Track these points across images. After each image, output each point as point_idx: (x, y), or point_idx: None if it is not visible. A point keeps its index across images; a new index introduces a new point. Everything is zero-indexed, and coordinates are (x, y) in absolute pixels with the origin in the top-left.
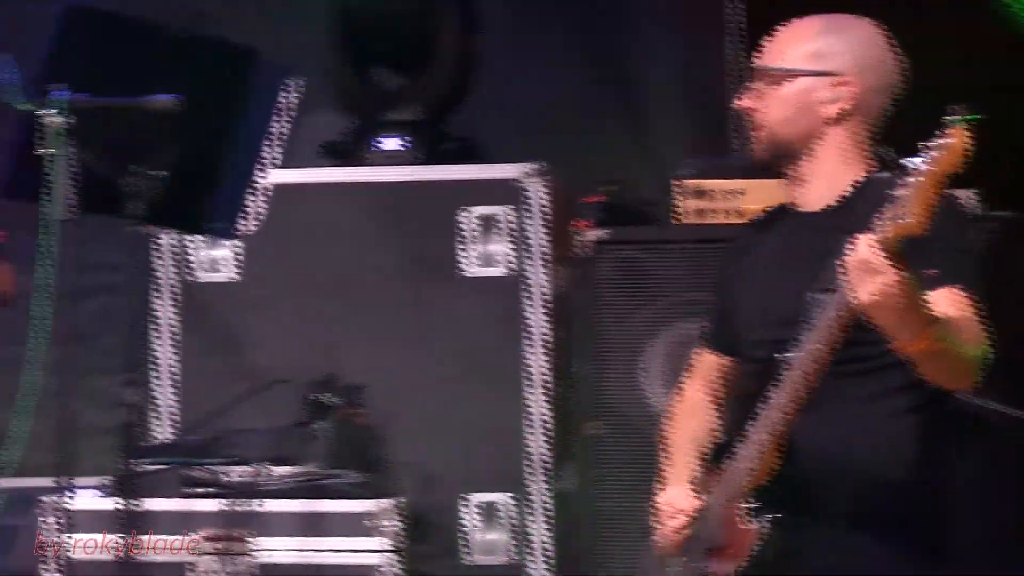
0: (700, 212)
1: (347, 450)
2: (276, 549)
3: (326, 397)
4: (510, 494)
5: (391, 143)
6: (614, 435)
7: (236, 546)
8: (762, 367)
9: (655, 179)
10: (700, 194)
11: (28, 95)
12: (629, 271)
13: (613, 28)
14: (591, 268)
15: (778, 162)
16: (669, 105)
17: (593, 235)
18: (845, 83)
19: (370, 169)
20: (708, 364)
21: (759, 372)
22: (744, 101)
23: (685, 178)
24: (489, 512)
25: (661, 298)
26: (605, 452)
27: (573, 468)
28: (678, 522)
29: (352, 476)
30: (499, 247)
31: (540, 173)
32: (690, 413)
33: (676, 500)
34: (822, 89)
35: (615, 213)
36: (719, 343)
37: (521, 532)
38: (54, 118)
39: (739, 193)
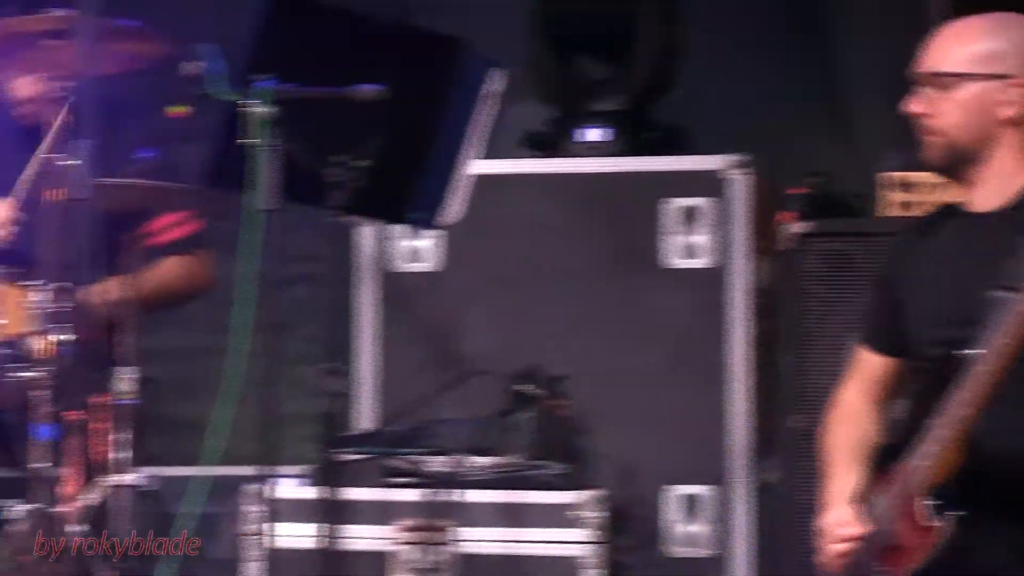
0: (905, 205)
1: (549, 441)
2: (477, 540)
3: (528, 387)
4: (712, 486)
5: (593, 133)
6: (817, 428)
7: (437, 536)
8: (937, 366)
9: (860, 171)
10: (906, 187)
11: (233, 85)
12: (834, 264)
13: (818, 18)
14: (795, 260)
15: (954, 166)
16: (875, 96)
17: (797, 227)
18: (1019, 84)
19: (572, 160)
20: (869, 365)
21: (933, 371)
22: (915, 106)
23: (891, 170)
24: (690, 504)
25: (866, 291)
26: (807, 445)
27: (776, 461)
28: (843, 548)
29: (554, 467)
30: (702, 238)
31: (744, 164)
32: (850, 417)
33: (840, 524)
34: (996, 92)
35: (820, 205)
36: (882, 344)
37: (722, 525)
38: (258, 108)
39: (944, 186)
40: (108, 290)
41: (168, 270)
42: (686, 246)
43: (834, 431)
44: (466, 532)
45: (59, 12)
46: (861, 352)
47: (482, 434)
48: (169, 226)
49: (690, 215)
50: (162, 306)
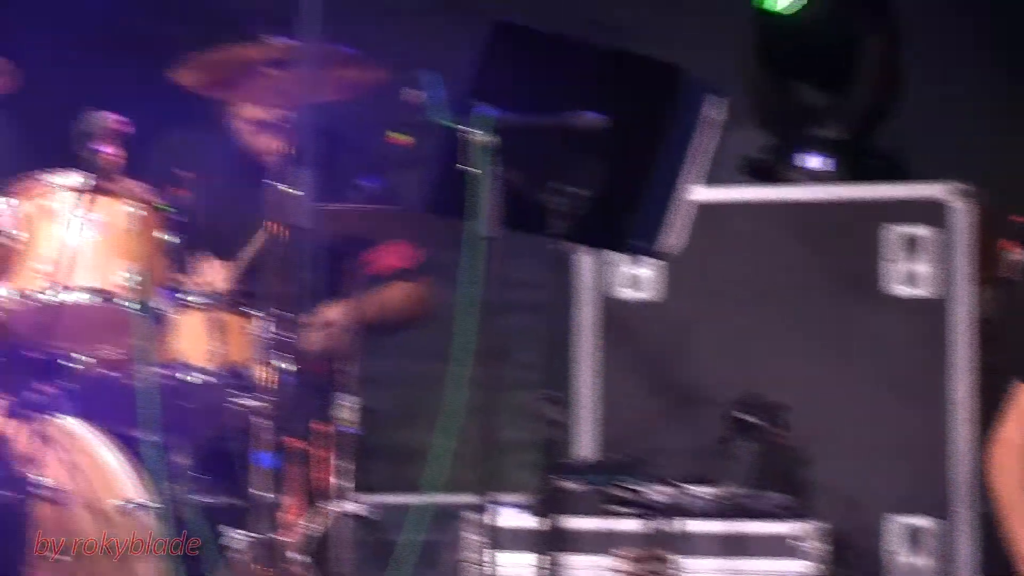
0: None
1: (770, 470)
2: (698, 570)
3: (749, 416)
4: (935, 518)
5: (813, 161)
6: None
7: (658, 566)
8: None
9: None
10: None
11: (454, 112)
12: None
13: None
14: (1019, 289)
15: None
16: None
17: (1021, 255)
18: None
19: (792, 187)
20: None
21: None
22: None
23: None
24: (913, 536)
25: None
26: None
27: None
28: None
29: (775, 497)
30: (923, 267)
31: (966, 192)
32: (1018, 454)
33: None
34: None
35: None
36: None
37: (946, 557)
38: (479, 136)
39: None
40: (331, 316)
41: (391, 295)
42: (907, 274)
43: (1004, 468)
44: (687, 562)
45: (281, 41)
46: (1021, 391)
47: (703, 463)
48: (390, 255)
49: (911, 243)
50: (382, 331)
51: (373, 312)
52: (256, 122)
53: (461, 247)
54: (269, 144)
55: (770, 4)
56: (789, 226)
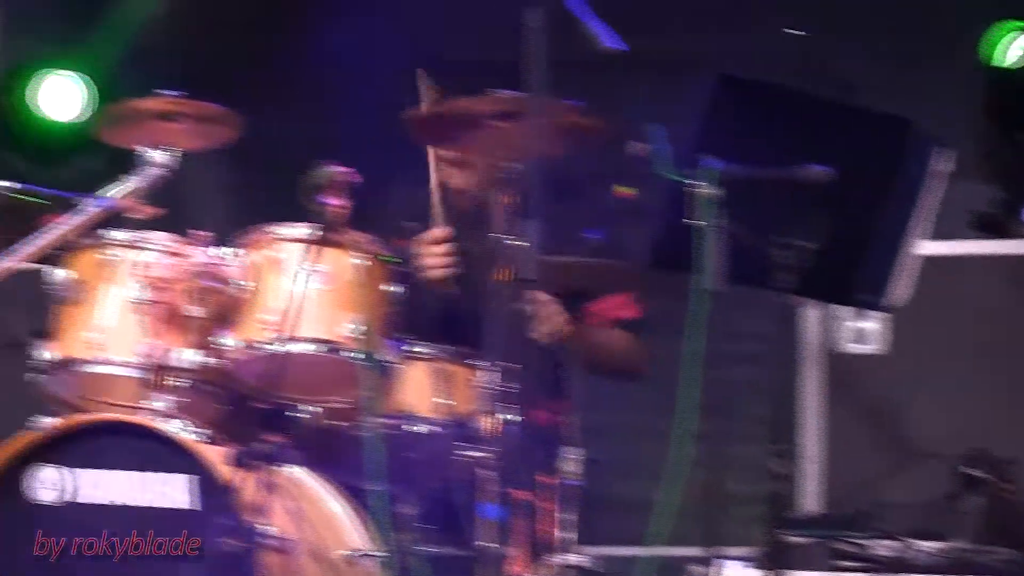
0: None
1: (997, 525)
2: None
3: (976, 471)
4: None
5: None
6: None
7: None
8: None
9: None
10: None
11: (679, 165)
12: None
13: None
14: None
15: None
16: None
17: None
18: None
19: (1021, 241)
20: None
21: None
22: None
23: None
24: None
25: None
26: None
27: None
28: None
29: (1003, 552)
30: None
31: None
32: None
33: None
34: None
35: None
36: None
37: None
38: (704, 188)
39: None
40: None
41: (613, 337)
42: None
43: None
44: None
45: (508, 94)
46: None
47: (929, 517)
48: (614, 307)
49: None
50: (598, 366)
51: (593, 341)
52: (473, 176)
53: (686, 300)
54: (495, 196)
55: (999, 59)
56: (1017, 280)
